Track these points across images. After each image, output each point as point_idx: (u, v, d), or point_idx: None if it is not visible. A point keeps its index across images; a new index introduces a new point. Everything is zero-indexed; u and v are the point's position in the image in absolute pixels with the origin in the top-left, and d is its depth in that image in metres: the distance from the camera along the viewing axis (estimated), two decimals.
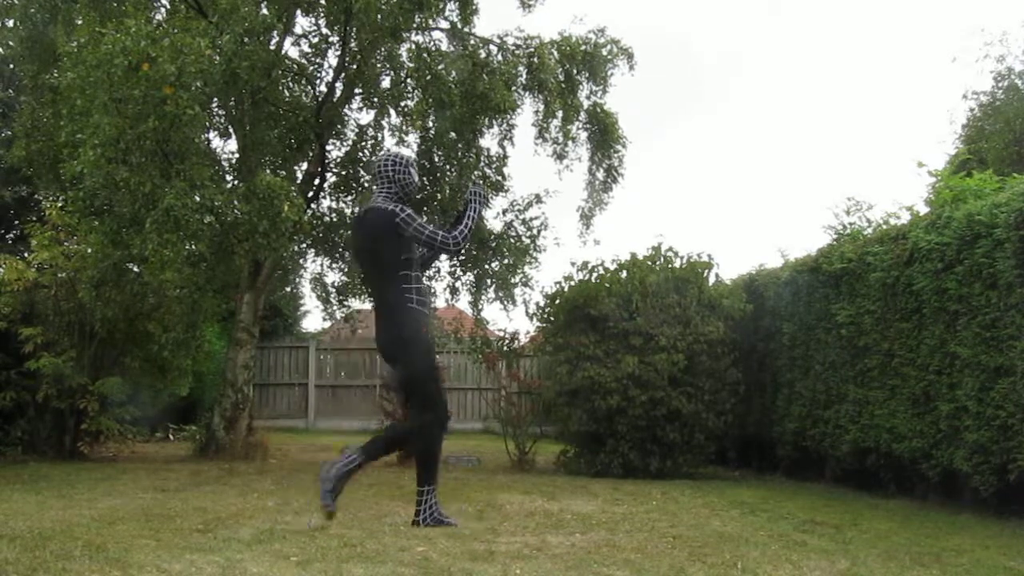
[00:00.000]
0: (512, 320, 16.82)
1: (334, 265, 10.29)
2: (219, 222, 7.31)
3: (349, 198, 9.96)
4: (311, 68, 9.57)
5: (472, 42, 9.66)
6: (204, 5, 7.82)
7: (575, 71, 9.88)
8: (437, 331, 11.24)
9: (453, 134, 9.52)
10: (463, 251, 4.59)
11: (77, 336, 8.49)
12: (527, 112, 10.06)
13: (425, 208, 9.63)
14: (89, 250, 8.15)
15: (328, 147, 9.48)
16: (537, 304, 8.97)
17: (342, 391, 15.17)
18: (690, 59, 43.58)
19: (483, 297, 10.14)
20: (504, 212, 10.03)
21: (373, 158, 9.82)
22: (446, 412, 4.61)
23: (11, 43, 10.25)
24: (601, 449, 7.79)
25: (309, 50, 9.61)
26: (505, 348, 9.29)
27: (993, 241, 5.36)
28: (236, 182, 8.79)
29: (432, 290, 9.93)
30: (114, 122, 6.80)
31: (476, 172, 9.79)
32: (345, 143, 9.96)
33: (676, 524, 4.86)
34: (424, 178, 9.94)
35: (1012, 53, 17.68)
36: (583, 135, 10.29)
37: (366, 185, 9.80)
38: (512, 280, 9.93)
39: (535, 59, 9.47)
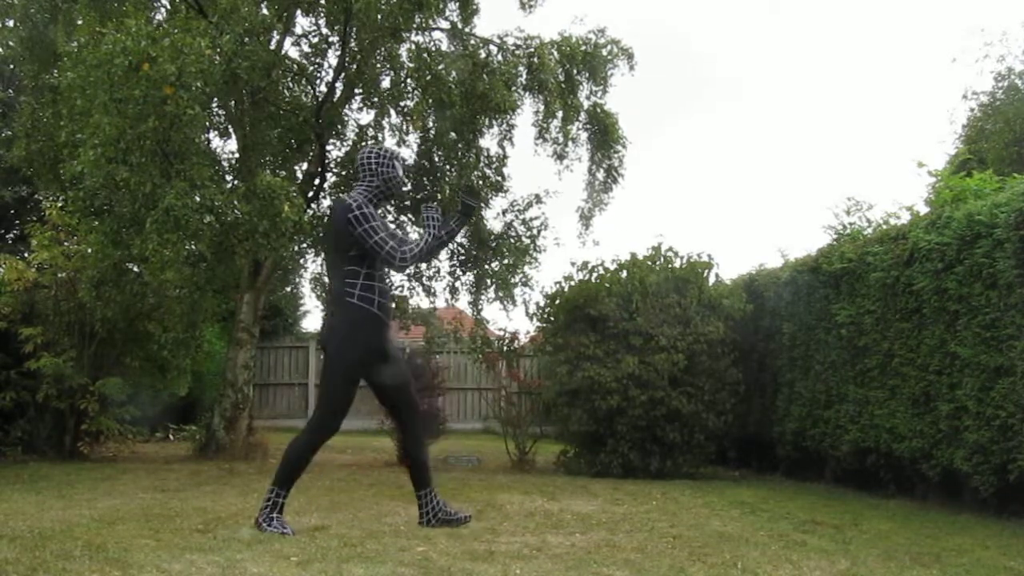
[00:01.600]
0: (512, 320, 16.81)
1: None
2: (219, 222, 7.30)
3: None
4: (311, 68, 9.57)
5: (472, 42, 9.66)
6: (204, 5, 7.81)
7: (575, 71, 9.86)
8: (437, 331, 11.21)
9: (453, 134, 9.52)
10: (409, 267, 4.36)
11: (77, 336, 8.49)
12: (527, 112, 10.06)
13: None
14: (89, 250, 8.15)
15: (328, 147, 9.48)
16: (537, 304, 8.99)
17: None
18: (690, 58, 43.58)
19: (483, 297, 10.14)
20: (504, 212, 10.04)
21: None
22: (332, 423, 4.35)
23: (11, 43, 10.25)
24: (601, 449, 7.80)
25: (309, 50, 9.62)
26: (505, 348, 9.29)
27: (993, 241, 5.36)
28: (236, 182, 8.78)
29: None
30: (114, 122, 6.80)
31: (476, 172, 9.79)
32: (345, 143, 9.95)
33: (676, 524, 4.86)
34: (424, 178, 9.93)
35: (1012, 53, 17.70)
36: (583, 135, 10.28)
37: None
38: (512, 280, 9.92)
39: (535, 59, 9.46)
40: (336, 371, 4.28)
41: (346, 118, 9.86)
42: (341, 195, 4.38)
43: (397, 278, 9.91)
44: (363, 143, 9.77)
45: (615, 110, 10.20)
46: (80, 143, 7.09)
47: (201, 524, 4.40)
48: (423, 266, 9.95)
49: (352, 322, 4.22)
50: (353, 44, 8.82)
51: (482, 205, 9.58)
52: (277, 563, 3.46)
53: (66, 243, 8.65)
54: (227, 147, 10.04)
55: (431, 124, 9.28)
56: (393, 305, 4.51)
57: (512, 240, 9.91)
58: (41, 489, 5.89)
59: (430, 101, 8.73)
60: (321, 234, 4.55)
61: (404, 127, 9.61)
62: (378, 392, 4.48)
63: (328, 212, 4.51)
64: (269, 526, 4.13)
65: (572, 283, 8.39)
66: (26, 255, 9.36)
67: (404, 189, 4.58)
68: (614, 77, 10.06)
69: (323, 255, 4.47)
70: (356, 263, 4.22)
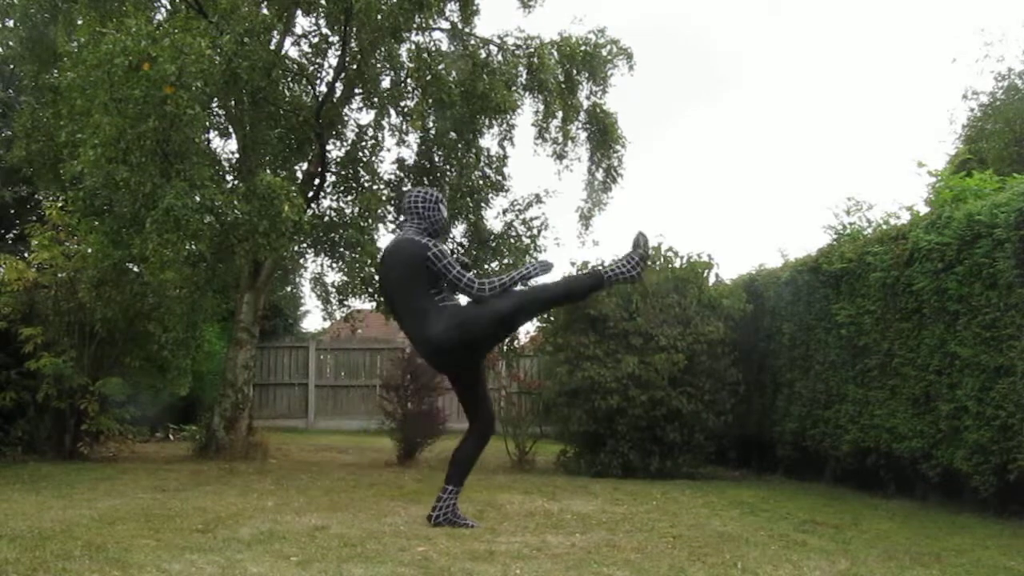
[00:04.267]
0: None
1: (334, 265, 10.29)
2: (219, 222, 7.30)
3: (349, 198, 9.96)
4: (311, 68, 9.57)
5: (472, 42, 9.66)
6: (204, 5, 7.81)
7: (575, 71, 9.87)
8: None
9: (453, 134, 9.52)
10: (484, 298, 4.56)
11: (77, 336, 8.49)
12: (527, 112, 10.06)
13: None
14: (89, 250, 8.15)
15: (328, 147, 9.47)
16: None
17: (342, 391, 15.17)
18: (689, 59, 43.61)
19: None
20: (504, 212, 10.03)
21: (373, 158, 9.81)
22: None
23: (11, 43, 10.25)
24: (601, 449, 7.79)
25: (309, 50, 9.61)
26: (505, 348, 9.29)
27: (993, 241, 5.36)
28: (236, 182, 8.78)
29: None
30: (114, 122, 6.79)
31: (476, 172, 9.78)
32: (345, 143, 9.95)
33: (676, 524, 4.86)
34: (424, 178, 9.93)
35: (1012, 53, 17.72)
36: (583, 135, 10.28)
37: (366, 185, 9.80)
38: None
39: (535, 59, 9.46)
40: (473, 326, 4.44)
41: (346, 118, 9.86)
42: (408, 237, 4.54)
43: None
44: (363, 143, 9.77)
45: (614, 110, 10.23)
46: (80, 143, 7.08)
47: (201, 524, 4.40)
48: None
49: (455, 317, 4.43)
50: (353, 44, 8.81)
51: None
52: (277, 563, 3.47)
53: (66, 243, 8.65)
54: (227, 147, 10.05)
55: (431, 124, 9.28)
56: None
57: (512, 240, 9.90)
58: (41, 489, 5.89)
59: (430, 101, 8.73)
60: (384, 279, 4.73)
61: (404, 127, 9.61)
62: (465, 383, 4.71)
63: (389, 255, 4.69)
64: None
65: None
66: (26, 255, 9.35)
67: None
68: (614, 77, 10.08)
69: (390, 294, 4.66)
70: (438, 287, 4.46)
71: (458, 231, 10.00)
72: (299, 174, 9.65)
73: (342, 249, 9.77)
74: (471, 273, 4.50)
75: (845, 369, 6.88)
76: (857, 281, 6.76)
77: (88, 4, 8.24)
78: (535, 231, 9.97)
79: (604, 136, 10.19)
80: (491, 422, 4.83)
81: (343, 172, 9.90)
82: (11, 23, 9.91)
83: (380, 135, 9.74)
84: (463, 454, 4.68)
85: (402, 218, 4.74)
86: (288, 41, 9.57)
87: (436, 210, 4.63)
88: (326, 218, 9.68)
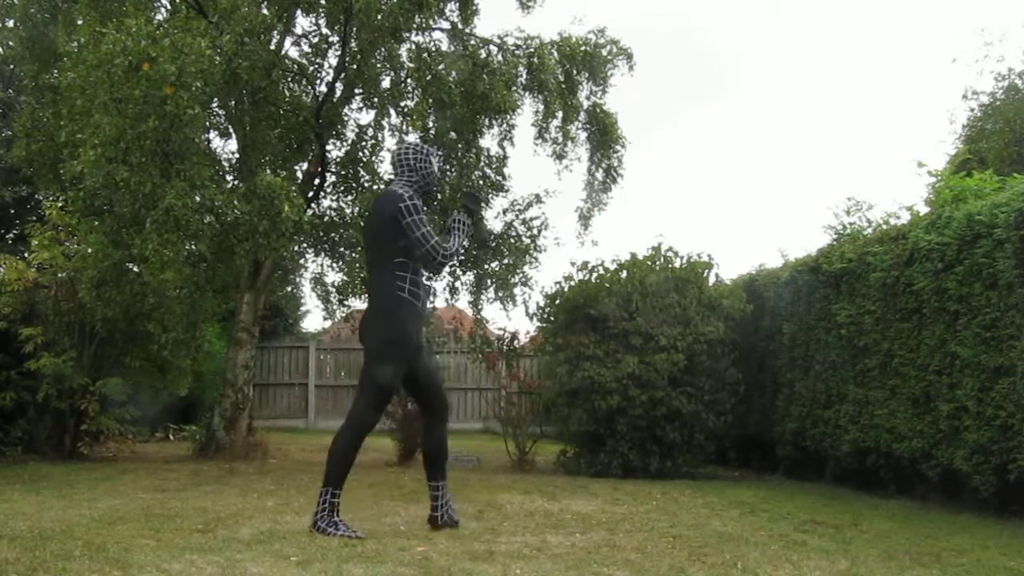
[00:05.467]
0: (512, 320, 16.84)
1: (334, 265, 10.29)
2: (219, 222, 7.30)
3: (349, 198, 9.96)
4: (311, 68, 9.57)
5: (472, 42, 9.66)
6: (204, 5, 7.81)
7: (575, 71, 9.86)
8: (436, 331, 11.22)
9: (453, 134, 9.51)
10: (445, 267, 4.48)
11: (77, 336, 8.49)
12: (527, 112, 10.05)
13: (425, 207, 9.61)
14: (89, 250, 8.15)
15: (328, 147, 9.47)
16: (537, 304, 9.00)
17: (342, 391, 15.17)
18: (689, 58, 43.60)
19: (483, 297, 10.14)
20: (504, 212, 10.03)
21: (373, 158, 9.82)
22: (373, 417, 4.33)
23: (11, 43, 10.25)
24: (601, 449, 7.80)
25: (309, 50, 9.61)
26: (505, 348, 9.29)
27: (993, 241, 5.36)
28: (236, 182, 8.78)
29: (432, 290, 9.86)
30: (114, 122, 6.79)
31: (476, 172, 9.78)
32: (345, 143, 9.95)
33: (676, 524, 4.86)
34: None
35: (1012, 53, 17.72)
36: (583, 135, 10.28)
37: (366, 185, 9.80)
38: (512, 280, 9.91)
39: (535, 59, 9.46)
40: (385, 363, 4.28)
41: (346, 118, 9.86)
42: (388, 187, 4.46)
43: None
44: (363, 143, 9.77)
45: (614, 110, 10.22)
46: (80, 143, 7.08)
47: (201, 524, 4.40)
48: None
49: (401, 315, 4.27)
50: (353, 44, 8.81)
51: (484, 206, 9.58)
52: (277, 563, 3.47)
53: (66, 243, 8.65)
54: (227, 147, 10.05)
55: (431, 124, 9.28)
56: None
57: (512, 240, 9.90)
58: (41, 489, 5.89)
59: (430, 101, 8.73)
60: (362, 225, 4.62)
61: (404, 127, 9.60)
62: (411, 383, 4.48)
63: (372, 205, 4.54)
64: (336, 530, 4.08)
65: (572, 283, 8.39)
66: (26, 255, 9.35)
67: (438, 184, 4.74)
68: (614, 77, 10.07)
69: (365, 247, 4.57)
70: (405, 255, 4.31)
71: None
72: (299, 174, 9.65)
73: (342, 249, 9.77)
74: (439, 238, 4.32)
75: (845, 369, 6.88)
76: (857, 281, 6.76)
77: (88, 4, 8.24)
78: (535, 231, 9.97)
79: (604, 136, 10.18)
80: (446, 406, 4.58)
81: (343, 172, 9.90)
82: (11, 23, 9.91)
83: (380, 135, 9.74)
84: (434, 447, 4.47)
85: (393, 173, 4.59)
86: (288, 41, 9.58)
87: (428, 163, 4.52)
88: (326, 218, 9.68)
